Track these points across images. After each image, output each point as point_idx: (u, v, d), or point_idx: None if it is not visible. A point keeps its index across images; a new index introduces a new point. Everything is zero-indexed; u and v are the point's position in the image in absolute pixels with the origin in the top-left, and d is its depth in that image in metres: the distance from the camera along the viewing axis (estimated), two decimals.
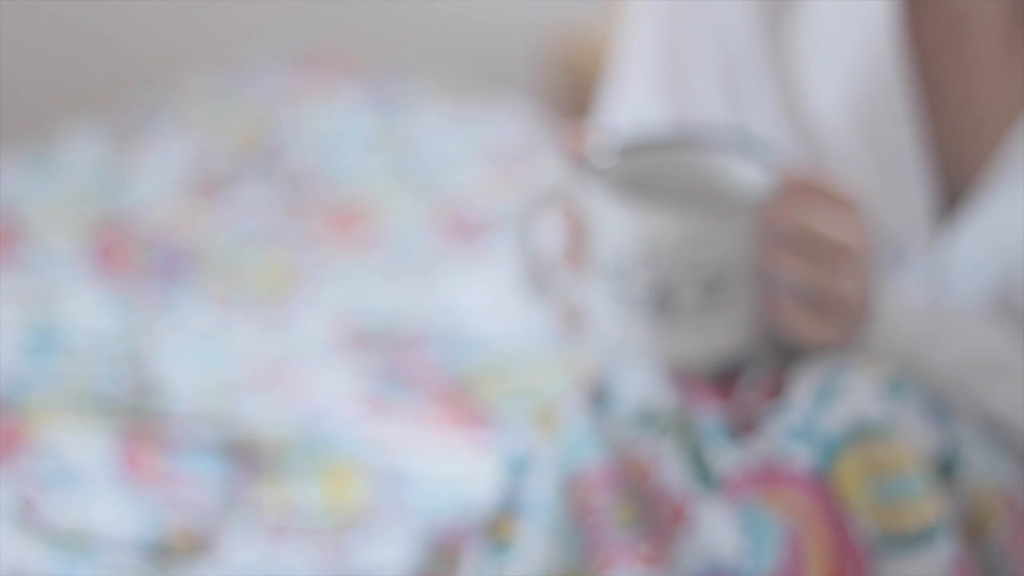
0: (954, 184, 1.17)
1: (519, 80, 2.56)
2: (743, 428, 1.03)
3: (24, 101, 2.30)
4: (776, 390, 1.04)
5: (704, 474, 1.02)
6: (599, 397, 1.06)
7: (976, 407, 1.09)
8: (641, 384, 1.05)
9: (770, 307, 1.04)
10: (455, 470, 1.44)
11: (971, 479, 1.04)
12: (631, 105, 1.27)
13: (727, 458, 1.01)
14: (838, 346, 1.06)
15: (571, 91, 2.36)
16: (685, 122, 1.22)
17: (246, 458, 1.43)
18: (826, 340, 1.05)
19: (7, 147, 1.94)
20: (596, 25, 2.42)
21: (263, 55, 2.17)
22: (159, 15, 2.42)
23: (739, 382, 1.05)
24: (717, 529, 1.01)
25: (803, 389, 1.02)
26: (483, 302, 1.69)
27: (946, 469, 1.03)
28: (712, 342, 1.04)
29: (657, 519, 1.02)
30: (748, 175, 1.07)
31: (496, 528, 1.08)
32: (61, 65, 2.36)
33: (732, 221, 1.03)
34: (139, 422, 1.45)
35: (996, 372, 1.10)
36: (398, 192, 1.93)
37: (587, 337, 1.08)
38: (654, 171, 1.08)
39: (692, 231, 1.02)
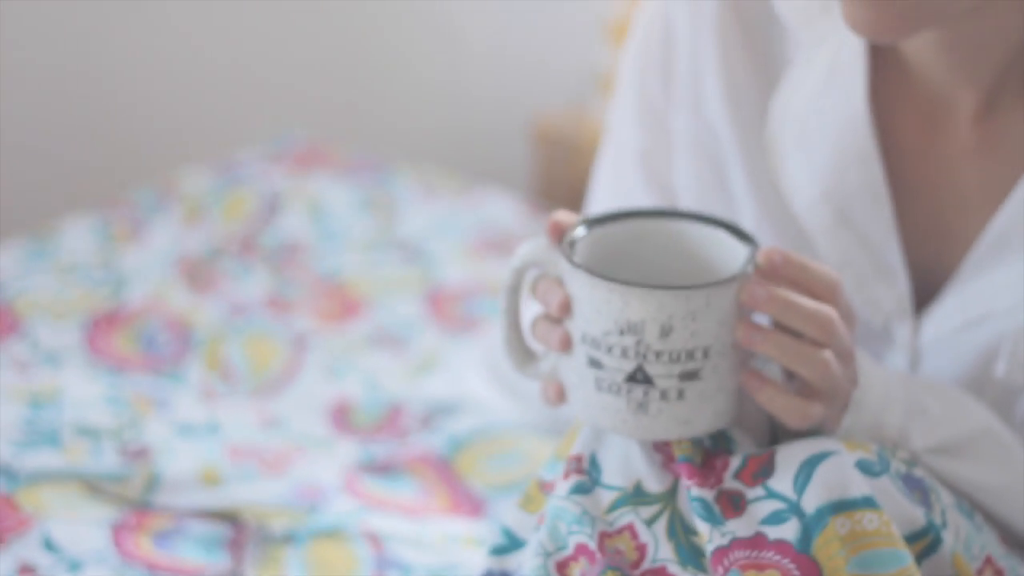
0: (932, 267, 1.18)
1: (515, 161, 2.58)
2: (730, 511, 1.03)
3: (22, 195, 2.32)
4: (762, 473, 1.04)
5: (696, 556, 1.02)
6: (586, 476, 1.05)
7: (959, 479, 1.10)
8: (630, 463, 1.04)
9: (753, 390, 1.04)
10: (444, 557, 1.43)
11: (955, 552, 1.04)
12: (615, 192, 1.28)
13: (717, 540, 1.01)
14: (824, 427, 1.07)
15: (567, 171, 2.37)
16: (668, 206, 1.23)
17: (237, 546, 1.42)
18: (811, 422, 1.05)
19: (6, 238, 1.95)
20: (594, 105, 2.44)
21: (257, 150, 2.18)
22: (155, 112, 2.44)
23: (727, 465, 1.04)
24: None
25: (787, 471, 1.02)
26: (475, 388, 1.69)
27: (931, 543, 1.03)
28: (691, 430, 1.03)
29: None
30: (728, 245, 1.06)
31: None
32: (59, 160, 2.38)
33: (709, 293, 1.01)
34: (131, 511, 1.45)
35: (981, 442, 1.11)
36: (390, 282, 1.93)
37: (567, 411, 1.07)
38: (631, 241, 1.08)
39: (665, 304, 1.00)
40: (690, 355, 1.01)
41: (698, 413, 1.03)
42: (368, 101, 2.61)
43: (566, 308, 1.04)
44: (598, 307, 1.02)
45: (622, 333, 1.01)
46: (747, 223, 1.22)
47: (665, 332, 1.01)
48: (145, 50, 2.41)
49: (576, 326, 1.04)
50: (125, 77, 2.41)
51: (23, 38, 2.30)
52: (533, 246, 1.07)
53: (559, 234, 1.06)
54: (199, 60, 2.47)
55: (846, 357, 1.04)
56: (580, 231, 1.06)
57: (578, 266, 1.03)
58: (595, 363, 1.03)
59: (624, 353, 1.01)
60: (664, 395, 1.02)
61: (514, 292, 1.08)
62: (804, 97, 1.17)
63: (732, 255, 1.06)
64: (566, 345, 1.04)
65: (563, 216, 1.07)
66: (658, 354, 1.01)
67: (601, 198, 1.32)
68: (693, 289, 1.01)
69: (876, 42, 1.09)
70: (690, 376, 1.02)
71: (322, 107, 2.53)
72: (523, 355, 1.10)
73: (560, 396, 1.07)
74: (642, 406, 1.02)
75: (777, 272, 1.03)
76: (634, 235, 1.09)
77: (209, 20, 2.47)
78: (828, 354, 1.03)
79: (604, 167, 1.33)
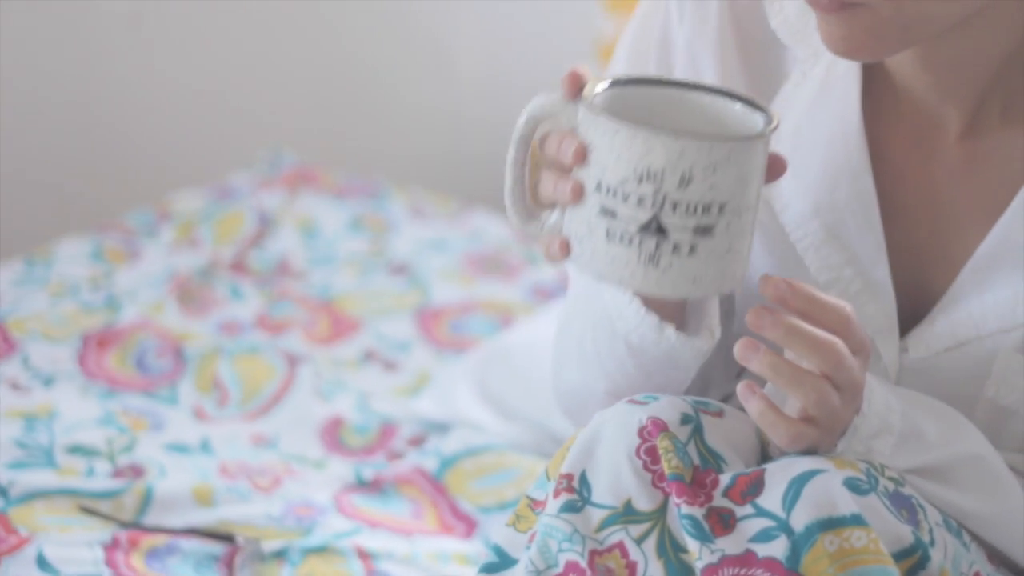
0: (919, 286, 1.19)
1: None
2: (720, 528, 1.03)
3: (18, 218, 2.32)
4: (751, 491, 1.04)
5: (686, 574, 1.03)
6: (576, 494, 1.05)
7: (945, 504, 1.10)
8: (620, 481, 1.05)
9: (745, 398, 1.04)
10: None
11: (943, 569, 1.05)
12: None
13: (707, 557, 1.02)
14: (816, 449, 1.07)
15: None
16: None
17: (229, 564, 1.43)
18: (803, 445, 1.05)
19: (1, 260, 1.95)
20: None
21: (249, 173, 2.19)
22: (149, 136, 2.45)
23: (716, 483, 1.05)
24: None
25: (776, 489, 1.03)
26: (465, 407, 1.69)
27: (919, 561, 1.03)
28: (697, 289, 1.02)
29: None
30: (745, 119, 1.04)
31: None
32: (54, 184, 2.38)
33: (732, 147, 0.99)
34: (124, 530, 1.45)
35: (970, 469, 1.11)
36: (381, 302, 1.94)
37: (571, 267, 1.04)
38: (651, 105, 1.05)
39: (688, 152, 0.98)
40: (706, 209, 1.00)
41: (707, 271, 1.01)
42: (359, 126, 2.61)
43: (581, 155, 1.01)
44: (618, 153, 1.00)
45: (641, 181, 0.99)
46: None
47: (684, 182, 0.99)
48: (139, 75, 2.42)
49: (590, 175, 1.01)
50: (119, 102, 2.41)
51: (19, 63, 2.30)
52: (548, 97, 1.04)
53: (576, 86, 1.03)
54: (192, 85, 2.48)
55: (851, 389, 1.04)
56: (602, 85, 1.04)
57: (601, 110, 1.01)
58: (608, 212, 1.01)
59: (640, 202, 1.00)
60: (676, 248, 1.00)
61: (524, 143, 1.06)
62: (798, 112, 1.17)
63: (749, 129, 1.04)
64: (578, 195, 1.02)
65: (582, 69, 1.04)
66: (675, 204, 0.99)
67: None
68: (717, 141, 0.99)
69: (852, 59, 1.09)
70: (704, 231, 1.00)
71: (314, 132, 2.54)
72: (527, 209, 1.07)
73: (565, 250, 1.04)
74: (653, 258, 1.00)
75: (785, 302, 1.03)
76: (651, 101, 1.06)
77: (201, 46, 2.47)
78: (827, 385, 1.02)
79: None
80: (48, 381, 1.69)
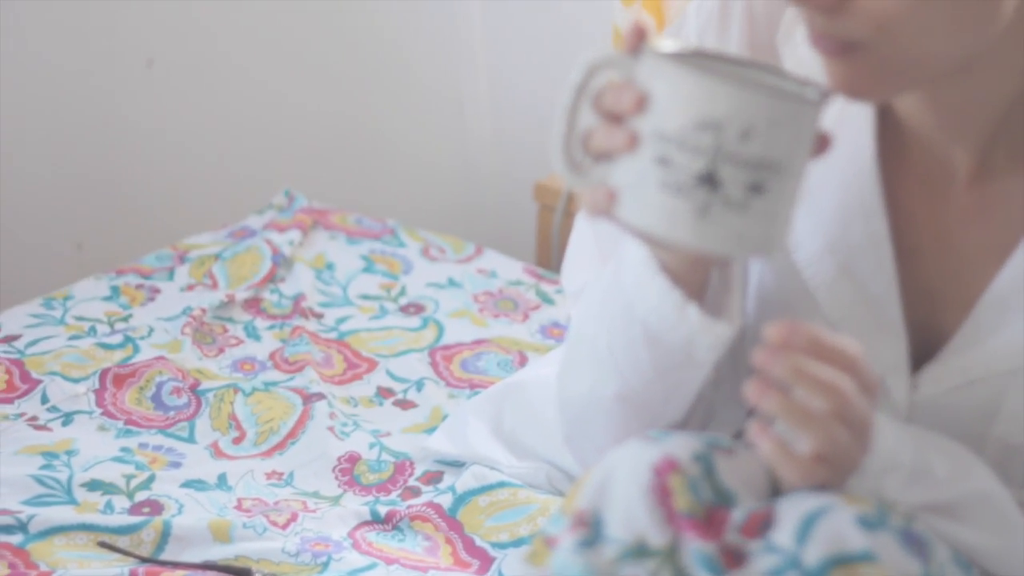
0: (929, 326, 1.19)
1: (523, 232, 2.59)
2: (731, 564, 1.04)
3: (37, 261, 2.34)
4: (763, 527, 1.05)
5: None
6: (590, 531, 1.06)
7: (954, 541, 1.11)
8: (633, 517, 1.05)
9: (756, 437, 1.05)
10: None
11: None
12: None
13: None
14: (831, 484, 1.08)
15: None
16: None
17: None
18: (813, 483, 1.06)
19: (22, 301, 1.97)
20: None
21: (265, 216, 2.20)
22: (166, 180, 2.46)
23: (728, 519, 1.06)
24: None
25: (788, 525, 1.04)
26: (478, 445, 1.70)
27: None
28: (741, 247, 1.02)
29: None
30: (803, 88, 1.04)
31: None
32: (72, 227, 2.39)
33: (793, 107, 0.99)
34: (142, 565, 1.46)
35: (980, 507, 1.12)
36: (396, 340, 1.95)
37: (615, 218, 1.04)
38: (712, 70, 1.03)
39: (752, 105, 0.98)
40: (762, 166, 0.99)
41: (753, 230, 1.01)
42: (370, 177, 2.62)
43: (641, 103, 1.01)
44: (682, 100, 0.99)
45: (701, 130, 0.99)
46: (751, 274, 1.23)
47: (745, 135, 0.99)
48: (155, 121, 2.43)
49: (648, 123, 1.00)
50: (136, 147, 2.43)
51: (36, 105, 2.32)
52: (607, 49, 1.03)
53: (639, 39, 1.03)
54: (209, 130, 2.49)
55: (860, 428, 1.04)
56: (666, 44, 1.03)
57: (668, 56, 1.01)
58: (663, 161, 1.00)
59: (698, 151, 0.99)
60: (728, 202, 1.00)
61: (578, 91, 1.04)
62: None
63: (812, 93, 1.04)
64: (634, 142, 1.01)
65: (645, 24, 1.04)
66: (732, 157, 0.99)
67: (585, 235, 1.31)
68: (781, 98, 1.00)
69: (857, 100, 1.11)
70: (757, 189, 1.00)
71: (326, 183, 2.54)
72: (574, 160, 1.05)
73: (611, 201, 1.03)
74: (703, 210, 1.00)
75: (791, 343, 1.03)
76: (716, 67, 1.05)
77: (219, 94, 2.49)
78: (838, 424, 1.03)
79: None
80: (67, 418, 1.71)
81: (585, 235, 1.30)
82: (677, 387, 1.16)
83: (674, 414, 1.19)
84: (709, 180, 0.99)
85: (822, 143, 1.06)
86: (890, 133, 1.18)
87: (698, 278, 1.12)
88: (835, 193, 1.17)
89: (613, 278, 1.16)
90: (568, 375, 1.23)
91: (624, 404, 1.17)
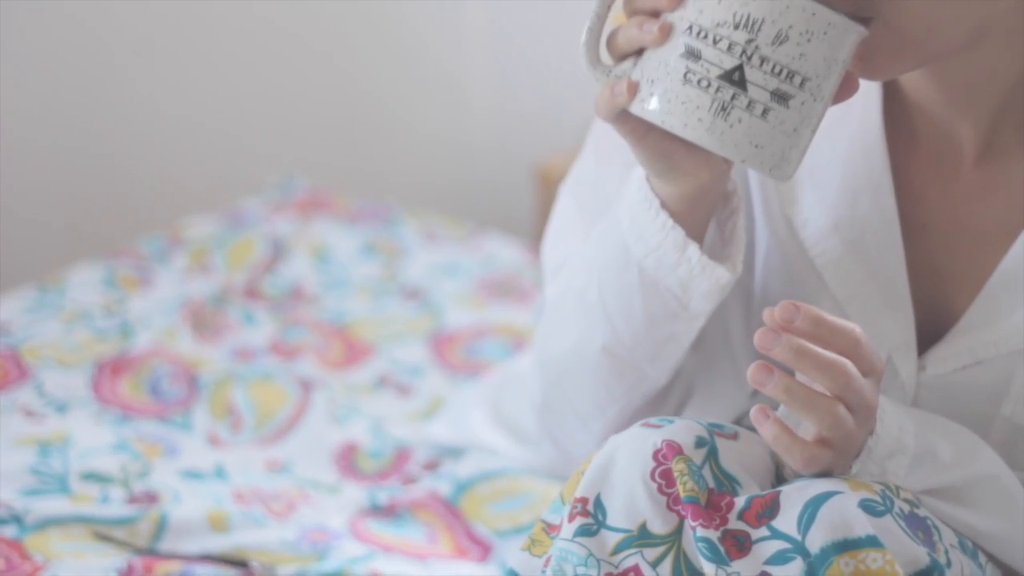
0: (936, 304, 1.19)
1: (521, 209, 2.59)
2: (735, 551, 1.03)
3: (30, 245, 2.33)
4: (766, 513, 1.04)
5: None
6: (592, 518, 1.05)
7: (959, 524, 1.10)
8: (635, 504, 1.05)
9: (759, 423, 1.04)
10: None
11: None
12: (596, 188, 1.27)
13: None
14: (831, 471, 1.07)
15: None
16: None
17: None
18: (817, 468, 1.05)
19: (14, 288, 1.96)
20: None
21: (261, 198, 2.19)
22: (161, 162, 2.46)
23: (732, 505, 1.05)
24: None
25: (791, 511, 1.03)
26: (479, 431, 1.69)
27: None
28: (756, 156, 1.02)
29: None
30: (847, 18, 1.04)
31: None
32: (66, 210, 2.39)
33: (832, 24, 1.00)
34: (139, 556, 1.45)
35: (985, 489, 1.11)
36: (394, 326, 1.94)
37: (633, 111, 1.04)
38: None
39: (793, 10, 0.99)
40: (790, 76, 1.01)
41: (770, 142, 1.02)
42: (370, 155, 2.63)
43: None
44: None
45: (737, 27, 1.00)
46: (759, 254, 1.22)
47: (779, 39, 1.00)
48: (150, 101, 2.43)
49: (683, 17, 1.02)
50: (131, 128, 2.42)
51: (31, 90, 2.31)
52: None
53: None
54: (204, 112, 2.49)
55: (863, 411, 1.04)
56: None
57: None
58: (693, 54, 1.01)
59: (730, 48, 1.00)
60: (751, 106, 1.01)
61: None
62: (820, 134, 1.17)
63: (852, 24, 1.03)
64: (666, 33, 1.02)
65: None
66: (763, 60, 1.00)
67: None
68: (822, 9, 1.00)
69: (866, 77, 1.10)
70: (781, 98, 1.01)
71: (325, 161, 2.55)
72: (598, 53, 1.07)
73: (632, 92, 1.04)
74: (725, 110, 1.01)
75: (791, 325, 1.03)
76: None
77: (213, 74, 2.48)
78: (841, 407, 1.03)
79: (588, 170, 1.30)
80: (62, 408, 1.69)
81: (568, 208, 1.29)
82: (666, 343, 1.15)
83: (658, 377, 1.18)
84: (736, 79, 1.01)
85: (849, 84, 1.05)
86: (897, 112, 1.17)
87: (697, 220, 1.11)
88: (843, 171, 1.17)
89: (607, 225, 1.14)
90: (551, 335, 1.23)
91: (611, 359, 1.16)
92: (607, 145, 1.25)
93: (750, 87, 1.01)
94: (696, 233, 1.12)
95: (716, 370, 1.30)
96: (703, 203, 1.11)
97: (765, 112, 1.01)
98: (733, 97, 1.01)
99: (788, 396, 1.02)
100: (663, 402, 1.23)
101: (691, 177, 1.08)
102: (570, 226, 1.28)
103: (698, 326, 1.15)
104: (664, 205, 1.10)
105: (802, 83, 1.01)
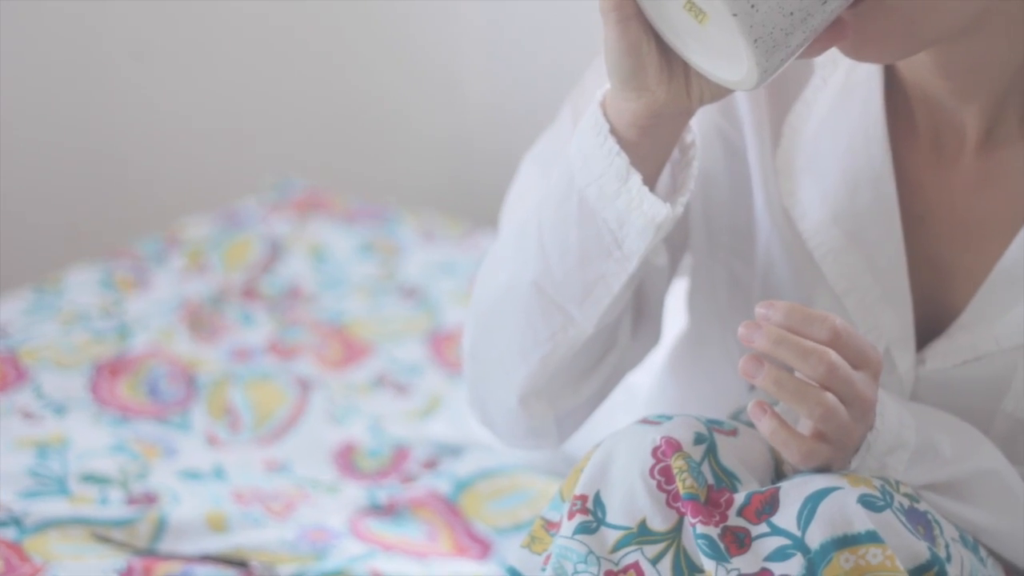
0: (935, 297, 1.18)
1: None
2: (735, 547, 1.03)
3: (27, 246, 2.33)
4: (766, 509, 1.04)
5: None
6: (591, 515, 1.05)
7: (960, 519, 1.10)
8: (634, 501, 1.05)
9: (756, 417, 1.04)
10: None
11: None
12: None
13: None
14: (830, 466, 1.07)
15: None
16: None
17: None
18: (816, 463, 1.05)
19: (12, 290, 1.96)
20: None
21: (258, 199, 2.19)
22: (158, 163, 2.45)
23: (731, 502, 1.05)
24: None
25: (791, 507, 1.03)
26: (477, 430, 1.69)
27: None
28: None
29: None
30: None
31: None
32: (63, 212, 2.39)
33: None
34: (138, 557, 1.45)
35: (985, 484, 1.11)
36: (392, 325, 1.94)
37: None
38: None
39: None
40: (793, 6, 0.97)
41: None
42: (366, 154, 2.62)
43: None
44: None
45: None
46: (759, 245, 1.22)
47: None
48: (146, 101, 2.43)
49: None
50: (128, 129, 2.42)
51: (29, 90, 2.31)
52: None
53: None
54: (200, 112, 2.48)
55: (858, 404, 1.03)
56: None
57: None
58: None
59: None
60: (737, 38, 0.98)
61: None
62: (817, 118, 1.17)
63: None
64: None
65: None
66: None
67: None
68: None
69: (866, 61, 1.09)
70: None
71: (321, 160, 2.55)
72: None
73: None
74: (709, 38, 0.99)
75: (767, 317, 1.02)
76: None
77: (212, 74, 2.48)
78: (830, 397, 1.02)
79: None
80: (60, 410, 1.69)
81: (531, 175, 1.27)
82: (596, 284, 1.13)
83: (584, 323, 1.15)
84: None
85: (840, 28, 1.02)
86: (897, 100, 1.17)
87: (644, 154, 1.09)
88: (842, 160, 1.16)
89: (558, 162, 1.13)
90: (486, 274, 1.21)
91: (539, 296, 1.14)
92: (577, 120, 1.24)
93: None
94: (643, 170, 1.09)
95: (714, 366, 1.30)
96: (654, 134, 1.08)
97: None
98: None
99: (777, 387, 1.01)
100: (592, 365, 1.20)
101: (649, 93, 1.05)
102: (530, 193, 1.25)
103: (629, 269, 1.11)
104: (614, 130, 1.08)
105: None
